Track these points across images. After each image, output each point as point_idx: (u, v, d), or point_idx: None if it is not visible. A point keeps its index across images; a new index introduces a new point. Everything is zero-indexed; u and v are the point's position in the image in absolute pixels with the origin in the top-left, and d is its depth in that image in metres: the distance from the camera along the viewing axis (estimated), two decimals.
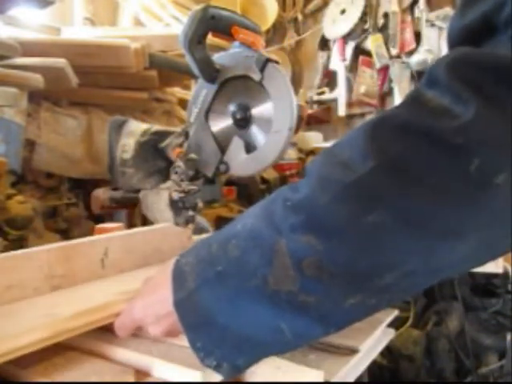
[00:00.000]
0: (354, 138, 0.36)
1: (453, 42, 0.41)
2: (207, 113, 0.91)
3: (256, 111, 0.88)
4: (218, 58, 0.88)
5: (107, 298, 0.55)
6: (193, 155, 0.92)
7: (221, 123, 0.91)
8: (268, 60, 0.83)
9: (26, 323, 0.47)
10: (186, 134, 0.95)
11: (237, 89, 0.88)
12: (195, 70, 0.85)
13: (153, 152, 1.02)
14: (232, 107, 0.88)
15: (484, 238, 0.35)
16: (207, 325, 0.41)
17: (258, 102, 0.87)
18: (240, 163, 0.89)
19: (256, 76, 0.84)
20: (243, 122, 0.88)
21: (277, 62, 0.85)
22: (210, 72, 0.86)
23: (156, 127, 1.05)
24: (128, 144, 1.03)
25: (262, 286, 0.38)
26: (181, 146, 0.95)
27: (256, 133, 0.88)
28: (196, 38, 0.81)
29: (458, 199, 0.33)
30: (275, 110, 0.84)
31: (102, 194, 1.15)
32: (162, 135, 1.02)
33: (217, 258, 0.40)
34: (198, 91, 0.91)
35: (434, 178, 0.33)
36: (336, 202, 0.35)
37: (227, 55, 0.88)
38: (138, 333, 0.58)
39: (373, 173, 0.34)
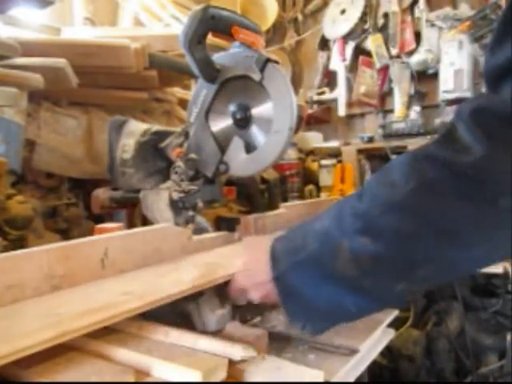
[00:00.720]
0: (400, 163, 0.50)
1: (489, 79, 0.49)
2: (207, 113, 0.90)
3: (256, 111, 0.88)
4: (217, 57, 0.88)
5: (110, 298, 0.55)
6: (193, 155, 0.92)
7: (221, 123, 0.91)
8: (268, 60, 0.83)
9: (31, 324, 0.47)
10: (186, 134, 0.94)
11: (237, 89, 0.88)
12: (195, 70, 0.85)
13: (153, 152, 1.02)
14: (232, 107, 0.88)
15: (492, 244, 0.47)
16: (295, 296, 0.56)
17: (258, 102, 0.87)
18: (240, 163, 0.89)
19: (256, 76, 0.84)
20: (243, 121, 0.88)
21: (277, 62, 0.85)
22: (210, 72, 0.86)
23: (156, 127, 1.05)
24: (128, 144, 1.03)
25: (331, 273, 0.52)
26: (181, 146, 0.95)
27: (256, 133, 0.88)
28: (196, 38, 0.81)
29: (473, 214, 0.45)
30: (275, 110, 0.84)
31: (101, 194, 1.15)
32: (162, 135, 1.02)
33: (300, 248, 0.55)
34: (198, 91, 0.91)
35: (453, 198, 0.45)
36: (384, 215, 0.49)
37: (227, 55, 0.88)
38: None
39: (412, 192, 0.47)
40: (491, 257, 0.50)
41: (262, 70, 0.83)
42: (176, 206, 0.92)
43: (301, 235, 0.57)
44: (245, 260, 0.67)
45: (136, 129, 1.04)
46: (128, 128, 1.06)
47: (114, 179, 1.09)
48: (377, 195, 0.50)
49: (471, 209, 0.45)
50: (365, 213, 0.50)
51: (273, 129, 0.84)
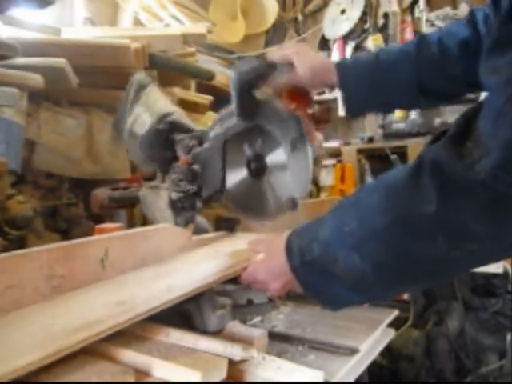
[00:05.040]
0: (382, 192, 0.55)
1: None
2: (226, 141, 0.88)
3: (270, 160, 0.87)
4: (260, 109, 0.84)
5: (105, 310, 0.54)
6: (196, 167, 0.91)
7: (234, 161, 0.89)
8: (302, 139, 0.81)
9: (23, 341, 0.47)
10: (200, 141, 0.93)
11: (260, 136, 0.86)
12: (235, 107, 0.82)
13: (162, 141, 0.99)
14: (248, 151, 0.87)
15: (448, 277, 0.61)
16: (310, 286, 0.62)
17: (273, 153, 0.86)
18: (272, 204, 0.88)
19: (285, 151, 0.81)
20: (257, 171, 0.88)
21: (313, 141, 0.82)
22: (248, 115, 0.83)
23: (174, 117, 1.00)
24: (142, 119, 0.99)
25: (333, 276, 0.58)
26: (190, 150, 0.94)
27: (272, 180, 0.87)
28: (249, 85, 0.79)
29: (430, 257, 0.52)
30: (292, 179, 0.83)
31: (100, 194, 1.15)
32: (178, 128, 0.98)
33: (308, 250, 0.61)
34: (228, 116, 0.87)
35: (418, 240, 0.51)
36: (368, 241, 0.54)
37: (269, 107, 0.84)
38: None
39: (388, 226, 0.52)
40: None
41: (293, 146, 0.81)
42: (176, 206, 0.92)
43: (309, 236, 0.62)
44: (263, 254, 0.71)
45: (154, 104, 1.00)
46: (148, 96, 1.01)
47: (119, 136, 1.05)
48: (365, 219, 0.55)
49: (428, 253, 0.51)
50: (356, 232, 0.55)
51: (289, 194, 0.83)
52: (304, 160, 0.81)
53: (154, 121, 0.98)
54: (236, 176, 0.91)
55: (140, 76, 1.06)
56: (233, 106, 0.83)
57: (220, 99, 2.10)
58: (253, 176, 0.89)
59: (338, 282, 0.58)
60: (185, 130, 0.99)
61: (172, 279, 0.66)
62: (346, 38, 2.58)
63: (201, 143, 0.93)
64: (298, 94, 0.85)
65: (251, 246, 0.76)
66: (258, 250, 0.73)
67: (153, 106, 1.01)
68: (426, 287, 0.61)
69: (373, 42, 2.50)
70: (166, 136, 0.99)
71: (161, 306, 0.57)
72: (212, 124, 0.91)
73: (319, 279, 0.60)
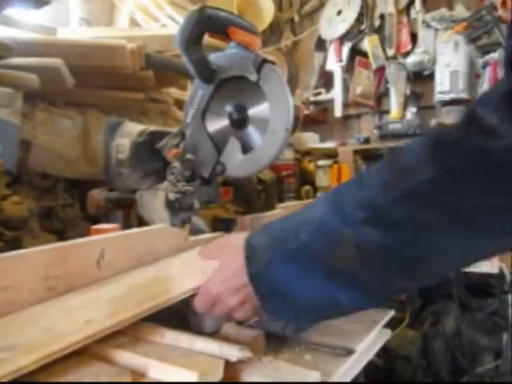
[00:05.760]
0: (417, 148, 0.45)
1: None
2: (204, 113, 0.90)
3: (252, 112, 0.88)
4: (214, 58, 0.88)
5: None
6: (189, 156, 0.92)
7: (217, 124, 0.91)
8: (264, 61, 0.83)
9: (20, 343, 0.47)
10: (182, 135, 0.94)
11: (233, 89, 0.88)
12: (191, 71, 0.85)
13: (149, 153, 1.02)
14: (228, 108, 0.88)
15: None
16: (276, 294, 0.50)
17: (254, 103, 0.87)
18: (237, 164, 0.89)
19: (252, 77, 0.84)
20: (240, 122, 0.88)
21: (273, 63, 0.85)
22: (207, 72, 0.86)
23: (152, 128, 1.04)
24: (123, 144, 1.02)
25: (326, 266, 0.46)
26: (177, 146, 0.95)
27: (253, 133, 0.88)
28: (192, 39, 0.81)
29: (499, 209, 0.41)
30: (272, 111, 0.84)
31: (97, 195, 1.15)
32: (159, 136, 1.01)
33: (289, 238, 0.48)
34: (195, 92, 0.91)
35: (478, 186, 0.40)
36: (396, 205, 0.43)
37: (223, 56, 0.88)
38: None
39: (431, 180, 0.42)
40: (503, 249, 0.47)
41: (258, 70, 0.83)
42: (172, 207, 0.92)
43: (287, 226, 0.50)
44: (216, 264, 0.59)
45: (132, 130, 1.04)
46: (123, 129, 1.05)
47: (110, 180, 1.08)
48: (388, 183, 0.44)
49: (497, 198, 0.40)
50: (371, 201, 0.44)
51: (269, 129, 0.84)
52: (278, 80, 0.83)
53: (134, 138, 1.01)
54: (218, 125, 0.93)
55: (110, 119, 1.11)
56: (193, 74, 0.85)
57: None
58: (234, 126, 0.90)
59: (330, 271, 0.46)
60: (165, 135, 1.00)
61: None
62: (342, 39, 2.59)
63: (184, 137, 0.94)
64: (244, 32, 0.87)
65: (203, 254, 0.62)
66: (212, 257, 0.59)
67: (131, 131, 1.04)
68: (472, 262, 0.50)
69: (369, 43, 2.51)
70: (150, 147, 1.01)
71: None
72: (184, 112, 0.93)
73: (300, 272, 0.47)
